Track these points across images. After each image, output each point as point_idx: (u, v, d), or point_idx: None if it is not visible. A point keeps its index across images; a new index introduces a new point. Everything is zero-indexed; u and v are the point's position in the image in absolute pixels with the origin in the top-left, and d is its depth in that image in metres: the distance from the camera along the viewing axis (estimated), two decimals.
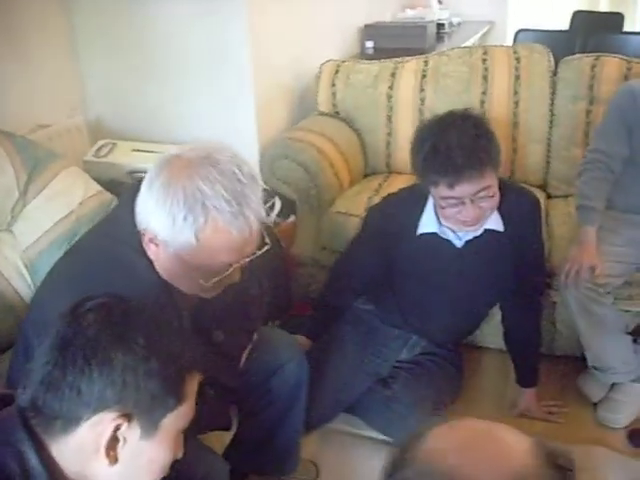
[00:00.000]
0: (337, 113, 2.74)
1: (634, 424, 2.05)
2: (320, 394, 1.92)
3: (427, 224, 1.84)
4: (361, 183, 2.63)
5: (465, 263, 1.86)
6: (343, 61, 2.82)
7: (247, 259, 1.24)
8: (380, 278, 2.01)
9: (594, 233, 1.99)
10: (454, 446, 0.68)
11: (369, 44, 3.60)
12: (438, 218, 1.82)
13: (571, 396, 2.16)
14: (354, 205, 2.39)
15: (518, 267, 1.90)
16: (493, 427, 0.72)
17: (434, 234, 1.84)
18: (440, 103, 2.51)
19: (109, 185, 1.90)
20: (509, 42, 4.29)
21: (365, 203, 2.36)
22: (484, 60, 2.57)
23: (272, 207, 2.47)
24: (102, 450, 0.86)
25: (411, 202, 1.87)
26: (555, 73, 2.52)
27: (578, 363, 2.19)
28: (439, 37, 4.01)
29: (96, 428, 0.86)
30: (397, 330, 2.10)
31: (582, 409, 2.12)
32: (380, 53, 3.29)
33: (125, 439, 0.87)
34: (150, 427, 0.88)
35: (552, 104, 2.51)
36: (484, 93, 2.55)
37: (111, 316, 0.90)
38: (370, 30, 3.64)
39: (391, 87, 2.65)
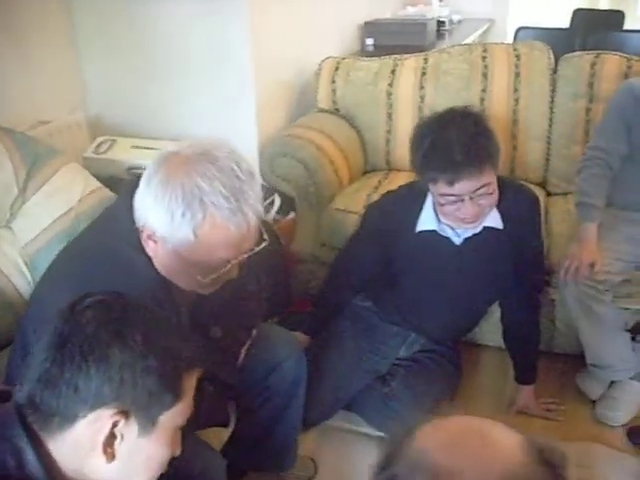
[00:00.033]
0: (337, 110, 2.74)
1: (633, 422, 2.05)
2: (319, 391, 1.92)
3: (426, 221, 1.84)
4: (360, 180, 2.63)
5: (464, 261, 1.86)
6: (343, 58, 2.82)
7: (245, 255, 1.25)
8: (379, 275, 2.01)
9: (594, 230, 1.99)
10: (443, 443, 0.68)
11: (369, 41, 3.59)
12: (437, 215, 1.82)
13: (570, 394, 2.17)
14: (353, 202, 2.39)
15: (517, 265, 1.90)
16: (483, 424, 0.71)
17: (433, 231, 1.84)
18: (440, 100, 2.51)
19: (109, 182, 1.89)
20: (509, 40, 4.30)
21: (364, 200, 2.36)
22: (484, 57, 2.57)
23: (271, 204, 2.48)
24: (99, 447, 0.87)
25: (410, 199, 1.87)
26: (555, 71, 2.52)
27: (577, 361, 2.19)
28: (439, 35, 4.00)
29: (93, 425, 0.86)
30: (396, 327, 2.10)
31: (581, 407, 2.13)
32: (380, 50, 3.28)
33: (122, 436, 0.87)
34: (147, 424, 0.88)
35: (552, 102, 2.51)
36: (484, 90, 2.55)
37: (109, 313, 0.90)
38: (370, 27, 3.63)
39: (391, 84, 2.65)
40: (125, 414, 0.86)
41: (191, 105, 2.57)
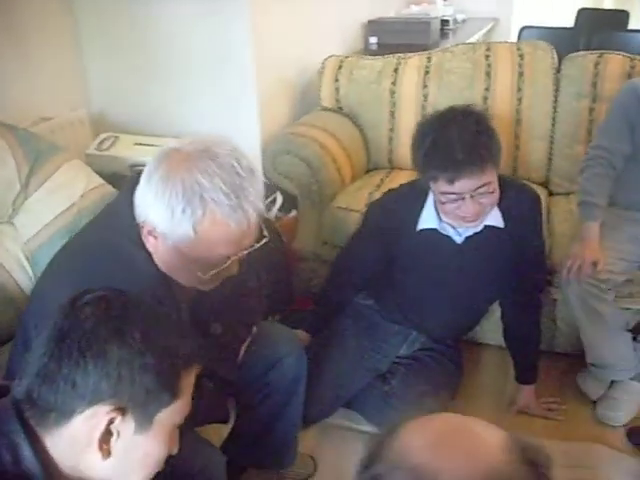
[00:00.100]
0: (340, 109, 2.74)
1: (633, 422, 2.05)
2: (319, 389, 1.93)
3: (427, 220, 1.84)
4: (363, 178, 2.63)
5: (465, 259, 1.86)
6: (346, 56, 2.82)
7: (245, 252, 1.25)
8: (380, 273, 2.01)
9: (597, 229, 1.99)
10: (425, 443, 0.68)
11: (373, 40, 3.59)
12: (438, 214, 1.82)
13: (570, 394, 2.17)
14: (355, 200, 2.39)
15: (518, 264, 1.90)
16: (467, 422, 0.71)
17: (434, 230, 1.84)
18: (443, 99, 2.51)
19: (111, 178, 1.90)
20: (513, 39, 4.29)
21: (366, 198, 2.36)
22: (487, 57, 2.56)
23: (274, 202, 2.48)
24: (95, 443, 0.87)
25: (411, 198, 1.87)
26: (559, 70, 2.51)
27: (578, 361, 2.19)
28: (443, 34, 4.01)
29: (90, 421, 0.86)
30: (397, 326, 2.10)
31: (581, 407, 2.12)
32: (384, 49, 3.29)
33: (119, 433, 0.87)
34: (144, 421, 0.88)
35: (555, 101, 2.51)
36: (487, 90, 2.54)
37: (109, 309, 0.90)
38: (374, 26, 3.63)
39: (394, 83, 2.65)
40: (122, 411, 0.86)
41: (193, 103, 2.57)
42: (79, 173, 1.82)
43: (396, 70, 2.66)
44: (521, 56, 2.53)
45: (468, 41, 3.67)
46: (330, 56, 2.78)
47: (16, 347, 1.38)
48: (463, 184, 1.63)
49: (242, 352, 1.54)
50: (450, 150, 1.61)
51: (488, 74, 2.54)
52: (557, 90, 2.51)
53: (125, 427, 0.87)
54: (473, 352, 2.35)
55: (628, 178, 2.10)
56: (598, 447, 1.96)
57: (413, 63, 2.67)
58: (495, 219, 1.80)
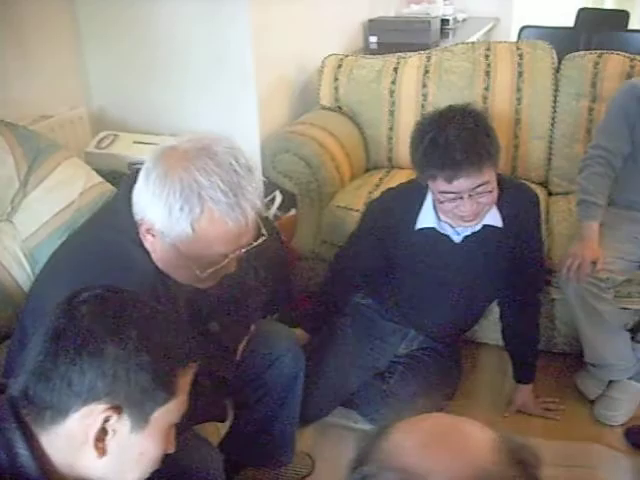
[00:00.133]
0: (339, 107, 2.74)
1: (631, 422, 2.05)
2: (318, 388, 1.93)
3: (426, 219, 1.84)
4: (362, 177, 2.63)
5: (463, 259, 1.86)
6: (346, 55, 2.82)
7: (243, 250, 1.25)
8: (379, 272, 2.01)
9: (596, 228, 1.99)
10: (414, 443, 0.68)
11: (373, 39, 3.59)
12: (437, 213, 1.82)
13: (568, 393, 2.17)
14: (355, 199, 2.39)
15: (516, 263, 1.90)
16: (457, 423, 0.71)
17: (433, 229, 1.84)
18: (443, 99, 2.50)
19: (110, 176, 1.90)
20: (513, 39, 4.28)
21: (366, 197, 2.36)
22: (487, 56, 2.56)
23: (273, 200, 2.48)
24: (91, 441, 0.86)
25: (410, 197, 1.87)
26: (558, 70, 2.52)
27: (576, 360, 2.20)
28: (443, 33, 4.00)
29: (85, 419, 0.86)
30: (395, 325, 2.10)
31: (579, 407, 2.13)
32: (384, 48, 3.28)
33: (114, 431, 0.87)
34: (140, 420, 0.88)
35: (555, 101, 2.51)
36: (487, 89, 2.54)
37: (105, 308, 0.90)
38: (374, 25, 3.63)
39: (394, 82, 2.65)
40: (117, 410, 0.86)
41: (193, 102, 2.57)
42: (78, 171, 1.82)
43: (396, 69, 2.66)
44: (521, 56, 2.53)
45: (468, 40, 3.67)
46: (330, 55, 2.78)
47: (14, 345, 1.38)
48: (461, 183, 1.63)
49: (240, 351, 1.54)
50: (449, 149, 1.61)
51: (488, 74, 2.54)
52: (556, 90, 2.51)
53: (121, 426, 0.87)
54: (471, 351, 2.35)
55: (627, 178, 2.10)
56: (596, 447, 1.97)
57: (413, 62, 2.67)
58: (494, 219, 1.81)
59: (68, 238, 1.42)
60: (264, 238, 1.28)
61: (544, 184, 2.57)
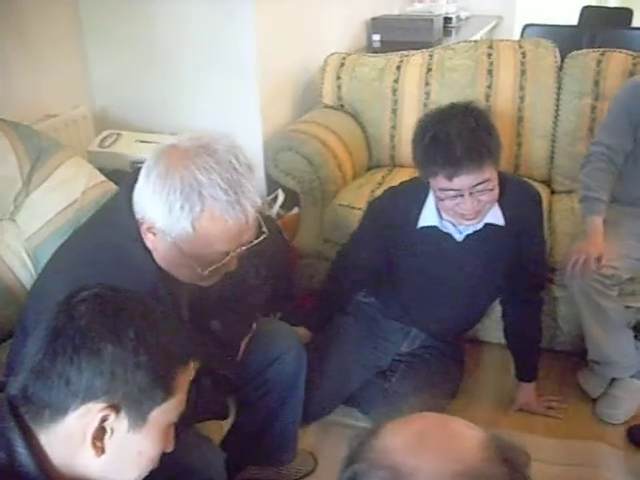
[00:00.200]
0: (342, 106, 2.74)
1: (633, 420, 2.05)
2: (320, 386, 1.93)
3: (428, 217, 1.84)
4: (364, 176, 2.63)
5: (465, 257, 1.86)
6: (349, 54, 2.82)
7: (244, 248, 1.25)
8: (381, 270, 2.01)
9: (600, 223, 1.98)
10: (404, 442, 0.69)
11: (376, 37, 3.59)
12: (439, 212, 1.82)
13: (571, 392, 2.17)
14: (357, 198, 2.39)
15: (519, 262, 1.90)
16: (446, 421, 0.72)
17: (435, 227, 1.84)
18: (445, 97, 2.49)
19: (113, 175, 1.90)
20: (517, 37, 4.26)
21: (368, 196, 2.36)
22: (489, 54, 2.56)
23: (275, 199, 2.48)
24: (89, 440, 0.87)
25: (412, 195, 1.87)
26: (561, 68, 2.51)
27: (578, 359, 2.19)
28: (446, 31, 4.00)
29: (83, 418, 0.86)
30: (397, 323, 2.11)
31: (582, 405, 2.12)
32: (387, 46, 3.28)
33: (112, 430, 0.87)
34: (138, 419, 0.88)
35: (557, 99, 2.51)
36: (489, 87, 2.54)
37: (104, 307, 0.90)
38: (377, 23, 3.63)
39: (396, 80, 2.65)
40: (115, 409, 0.86)
41: (196, 100, 2.57)
42: (81, 170, 1.83)
43: (398, 68, 2.66)
44: (523, 54, 2.53)
45: (471, 39, 3.66)
46: (332, 53, 2.78)
47: (16, 343, 1.38)
48: (462, 180, 1.63)
49: (242, 349, 1.55)
50: (449, 146, 1.61)
51: (490, 72, 2.54)
52: (559, 88, 2.51)
53: (119, 425, 0.87)
54: (474, 350, 2.35)
55: (630, 175, 2.10)
56: (598, 445, 1.97)
57: (415, 61, 2.67)
58: (495, 217, 1.80)
59: (69, 237, 1.43)
60: (265, 236, 1.28)
61: (547, 182, 2.57)
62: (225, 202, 1.16)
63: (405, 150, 2.57)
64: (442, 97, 2.54)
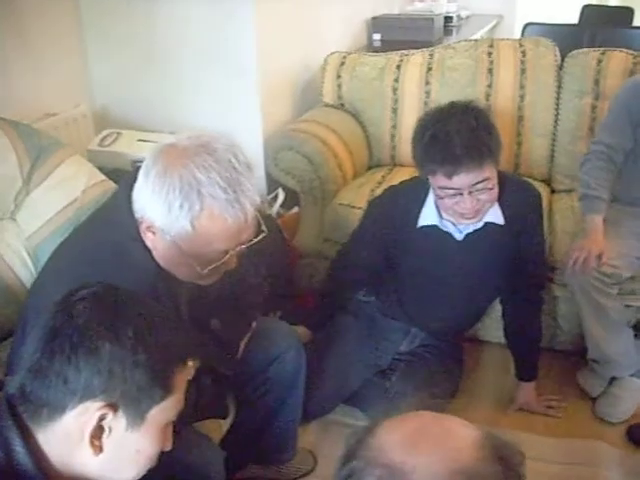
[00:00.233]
0: (342, 105, 2.74)
1: (633, 419, 2.05)
2: (320, 385, 1.93)
3: (428, 216, 1.84)
4: (365, 175, 2.63)
5: (465, 256, 1.86)
6: (349, 53, 2.82)
7: (243, 246, 1.25)
8: (381, 270, 2.01)
9: (600, 221, 1.98)
10: (400, 440, 0.69)
11: (376, 36, 3.59)
12: (439, 211, 1.82)
13: (571, 391, 2.16)
14: (357, 197, 2.39)
15: (518, 261, 1.90)
16: (442, 420, 0.73)
17: (435, 227, 1.84)
18: (445, 96, 2.49)
19: (113, 174, 1.90)
20: (517, 36, 4.26)
21: (368, 195, 2.36)
22: (490, 53, 2.56)
23: (275, 198, 2.48)
24: (87, 439, 0.87)
25: (412, 194, 1.87)
26: (561, 67, 2.51)
27: (578, 358, 2.19)
28: (447, 30, 4.00)
29: (81, 417, 0.86)
30: (397, 322, 2.11)
31: (581, 404, 2.12)
32: (387, 46, 3.28)
33: (110, 429, 0.87)
34: (136, 418, 0.88)
35: (558, 98, 2.51)
36: (489, 86, 2.54)
37: (102, 306, 0.90)
38: (377, 22, 3.63)
39: (397, 80, 2.65)
40: (113, 407, 0.86)
41: (196, 99, 2.57)
42: (81, 169, 1.83)
43: (398, 67, 2.66)
44: (523, 53, 2.53)
45: (472, 38, 3.66)
46: (332, 53, 2.78)
47: (17, 342, 1.38)
48: (461, 179, 1.63)
49: (241, 348, 1.55)
50: (449, 145, 1.61)
51: (490, 71, 2.54)
52: (559, 87, 2.50)
53: (117, 423, 0.87)
54: (474, 349, 2.35)
55: (630, 174, 2.10)
56: (598, 444, 1.97)
57: (415, 60, 2.67)
58: (495, 216, 1.80)
59: (69, 236, 1.43)
60: (264, 234, 1.28)
61: (547, 181, 2.57)
62: (224, 201, 1.16)
63: (405, 149, 2.56)
64: (442, 96, 2.53)
